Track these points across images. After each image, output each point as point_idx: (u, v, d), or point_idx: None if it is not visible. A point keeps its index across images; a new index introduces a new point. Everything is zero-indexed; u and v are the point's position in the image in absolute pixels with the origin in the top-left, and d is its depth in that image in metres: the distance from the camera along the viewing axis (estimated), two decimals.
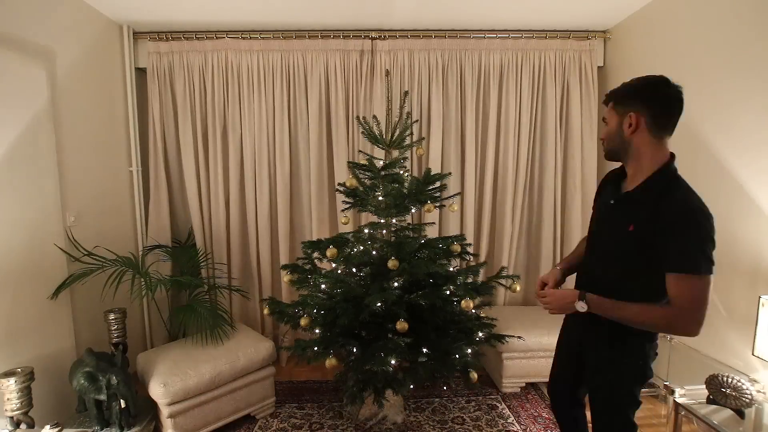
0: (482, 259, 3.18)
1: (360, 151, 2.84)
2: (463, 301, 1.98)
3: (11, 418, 1.81)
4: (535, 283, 3.26)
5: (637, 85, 1.24)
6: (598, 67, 3.13)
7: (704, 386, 1.81)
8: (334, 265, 2.30)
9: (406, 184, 2.20)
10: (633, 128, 1.22)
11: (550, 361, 2.62)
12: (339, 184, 2.36)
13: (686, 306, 1.13)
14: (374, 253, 2.21)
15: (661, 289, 1.17)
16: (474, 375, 2.01)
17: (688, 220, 1.12)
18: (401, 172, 2.24)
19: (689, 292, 1.12)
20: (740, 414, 1.72)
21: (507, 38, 3.04)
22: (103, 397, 1.93)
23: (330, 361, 1.94)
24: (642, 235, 1.19)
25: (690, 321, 1.13)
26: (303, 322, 2.03)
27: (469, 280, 2.22)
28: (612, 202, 1.33)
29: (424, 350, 2.04)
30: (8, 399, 1.79)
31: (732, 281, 2.08)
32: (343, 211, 2.28)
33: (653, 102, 1.20)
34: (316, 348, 2.02)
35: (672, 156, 1.24)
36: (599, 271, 1.36)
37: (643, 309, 1.19)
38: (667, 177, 1.21)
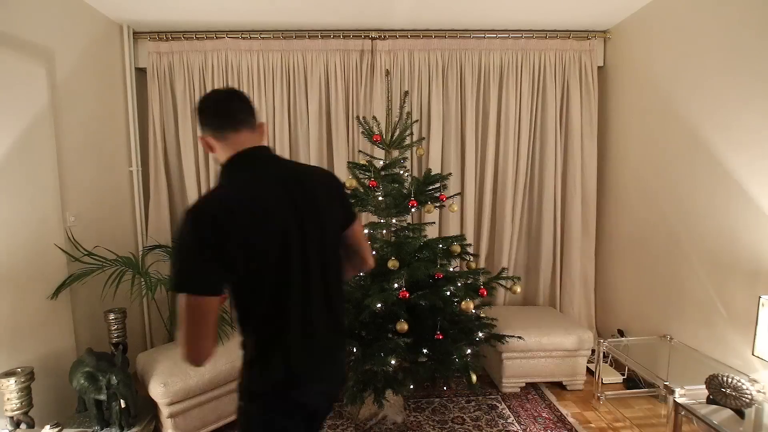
0: (482, 259, 3.18)
1: (360, 151, 2.84)
2: (463, 303, 1.98)
3: (11, 418, 1.81)
4: (535, 283, 3.27)
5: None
6: (598, 67, 3.13)
7: (704, 386, 1.81)
8: None
9: (406, 184, 2.20)
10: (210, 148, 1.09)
11: (551, 361, 2.66)
12: None
13: (179, 322, 0.94)
14: (374, 253, 2.21)
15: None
16: (474, 377, 2.01)
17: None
18: (401, 172, 2.24)
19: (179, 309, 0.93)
20: (740, 414, 1.72)
21: (507, 38, 3.04)
22: (103, 397, 1.93)
23: None
24: None
25: (180, 339, 0.93)
26: None
27: (469, 281, 2.22)
28: None
29: (424, 351, 2.04)
30: (8, 399, 1.79)
31: (732, 281, 2.08)
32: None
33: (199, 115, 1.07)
34: None
35: (236, 155, 1.06)
36: None
37: None
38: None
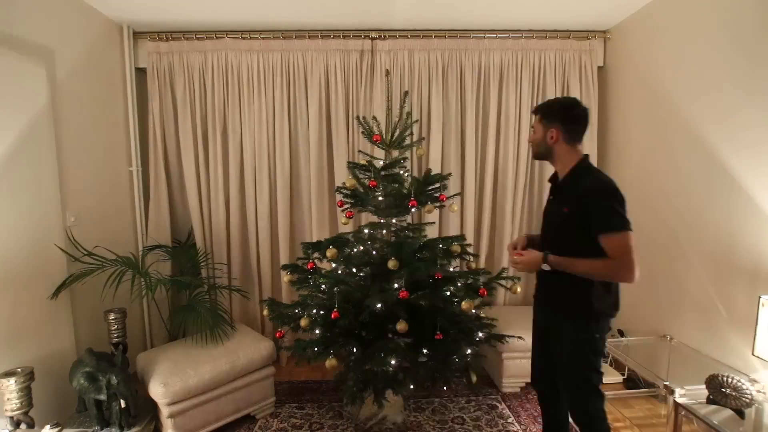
0: (482, 259, 3.18)
1: (360, 151, 2.84)
2: (463, 303, 1.97)
3: (11, 418, 1.81)
4: (533, 282, 3.26)
5: (557, 106, 1.65)
6: (598, 67, 3.13)
7: (704, 386, 1.81)
8: (334, 265, 2.30)
9: (406, 184, 2.20)
10: (554, 140, 1.61)
11: None
12: (340, 185, 2.36)
13: (617, 256, 1.45)
14: (374, 253, 2.21)
15: (596, 253, 1.49)
16: (474, 377, 2.01)
17: (600, 193, 1.49)
18: (401, 172, 2.23)
19: (616, 245, 1.46)
20: (740, 414, 1.72)
21: (507, 38, 3.04)
22: (103, 397, 1.93)
23: (330, 362, 1.93)
24: (574, 212, 1.53)
25: (623, 267, 1.45)
26: (303, 323, 2.03)
27: (470, 281, 2.22)
28: (551, 196, 1.74)
29: (425, 351, 2.04)
30: (8, 399, 1.79)
31: (732, 281, 2.08)
32: (342, 211, 2.27)
33: (568, 121, 1.60)
34: (316, 348, 2.02)
35: (584, 156, 1.62)
36: (552, 248, 1.64)
37: (590, 262, 1.51)
38: (581, 169, 1.60)
